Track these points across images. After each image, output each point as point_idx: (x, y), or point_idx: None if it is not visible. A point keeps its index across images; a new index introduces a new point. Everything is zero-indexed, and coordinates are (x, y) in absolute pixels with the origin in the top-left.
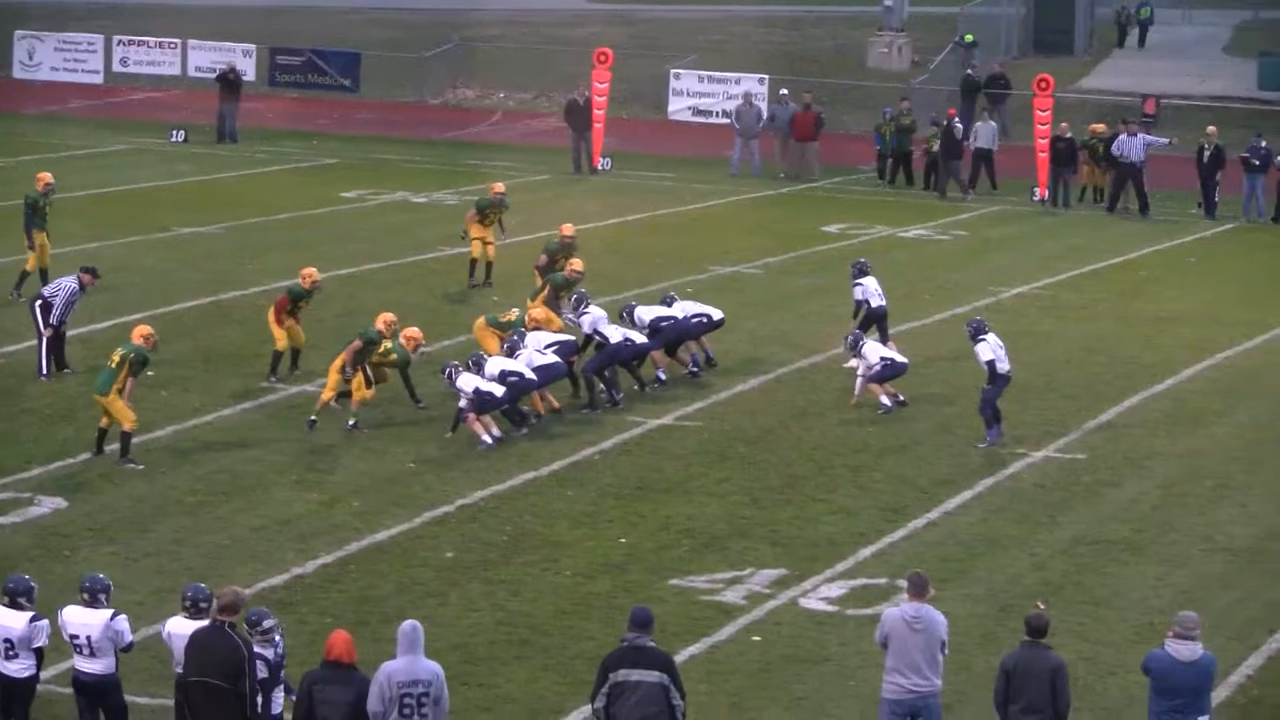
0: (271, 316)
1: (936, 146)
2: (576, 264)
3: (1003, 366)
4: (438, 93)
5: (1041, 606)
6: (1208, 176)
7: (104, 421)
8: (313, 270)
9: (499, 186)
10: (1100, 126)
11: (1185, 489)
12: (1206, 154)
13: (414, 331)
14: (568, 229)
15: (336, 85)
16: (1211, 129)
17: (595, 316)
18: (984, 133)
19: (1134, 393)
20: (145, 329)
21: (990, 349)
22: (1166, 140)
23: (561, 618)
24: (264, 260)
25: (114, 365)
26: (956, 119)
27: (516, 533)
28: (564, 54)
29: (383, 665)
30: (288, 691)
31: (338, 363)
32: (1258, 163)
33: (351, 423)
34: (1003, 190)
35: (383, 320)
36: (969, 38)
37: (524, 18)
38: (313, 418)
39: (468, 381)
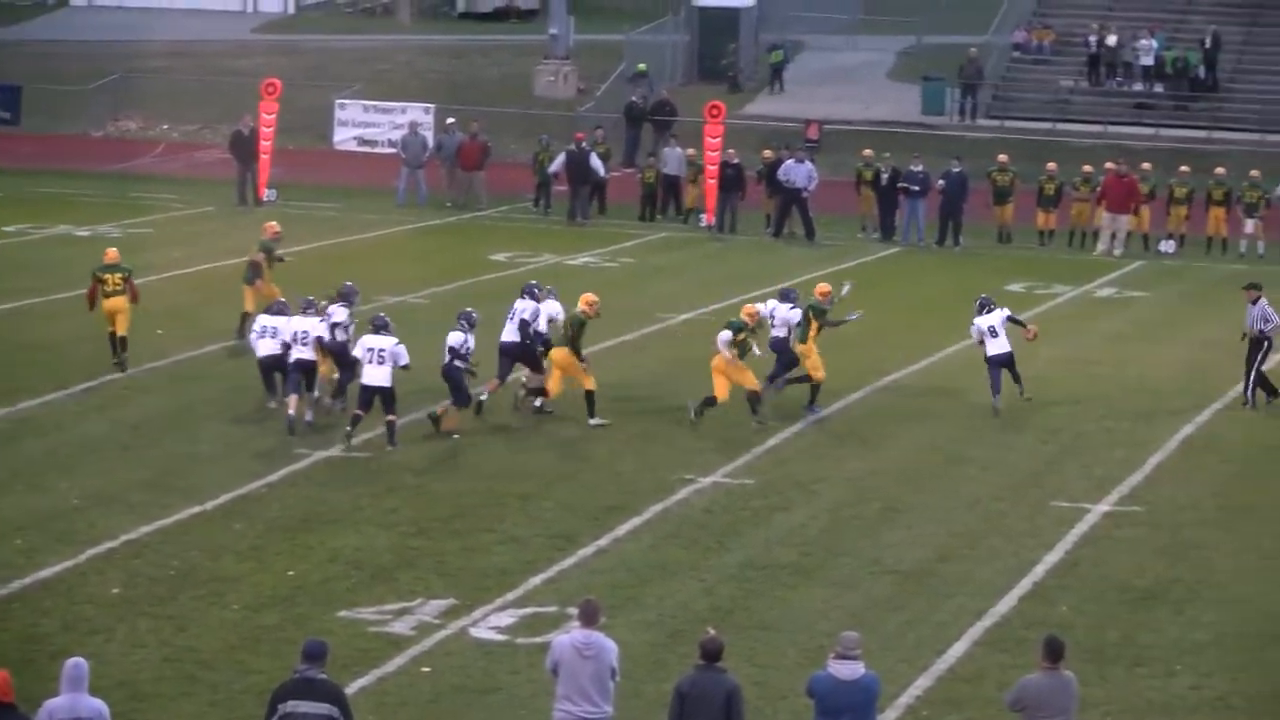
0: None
1: (653, 177)
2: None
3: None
4: (100, 125)
5: (712, 631)
6: (885, 200)
7: None
8: (113, 251)
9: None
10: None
11: (854, 512)
12: (884, 178)
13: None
14: (272, 227)
15: None
16: (868, 151)
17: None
18: (671, 159)
19: (800, 418)
20: None
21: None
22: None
23: (229, 652)
24: None
25: None
26: (584, 143)
27: (183, 568)
28: (229, 85)
29: (45, 703)
30: None
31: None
32: (916, 188)
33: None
34: (670, 216)
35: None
36: (641, 67)
37: (188, 49)
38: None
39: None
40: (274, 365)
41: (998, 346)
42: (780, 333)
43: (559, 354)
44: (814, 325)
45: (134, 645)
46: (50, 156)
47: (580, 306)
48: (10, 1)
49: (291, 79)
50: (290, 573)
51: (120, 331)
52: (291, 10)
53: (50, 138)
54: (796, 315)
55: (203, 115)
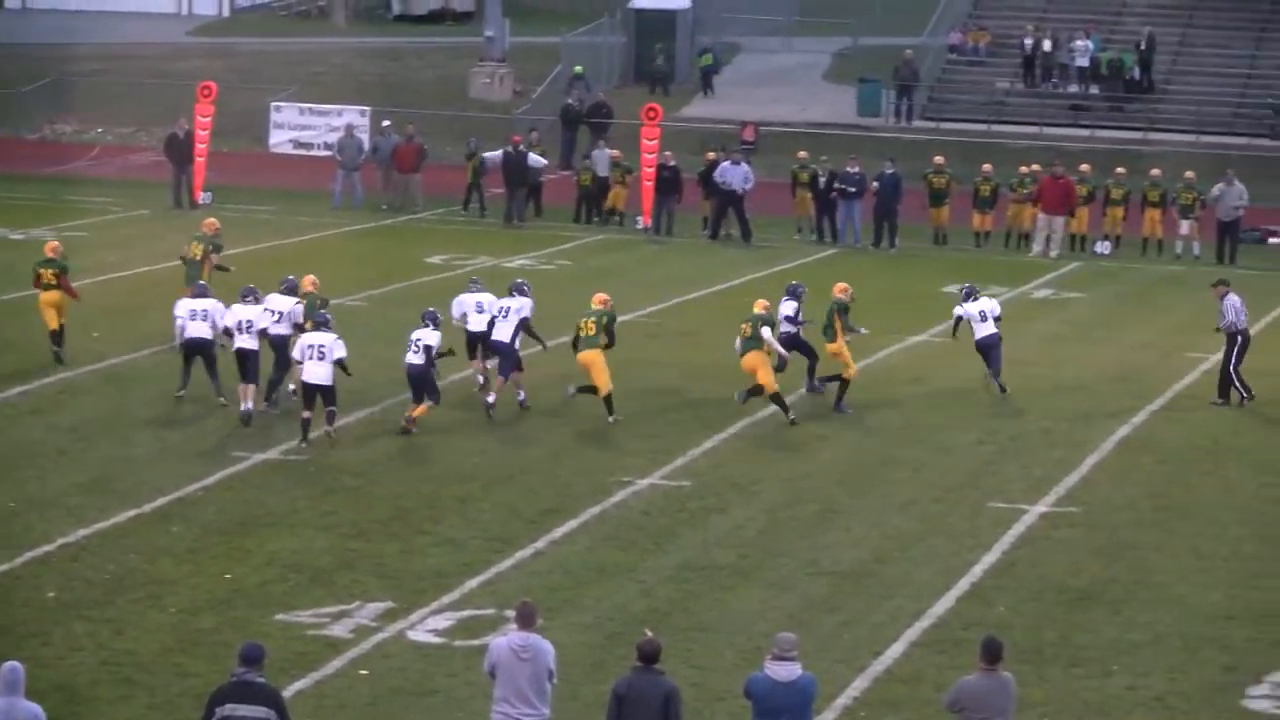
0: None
1: (589, 180)
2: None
3: None
4: (35, 128)
5: (649, 633)
6: (822, 201)
7: None
8: (55, 243)
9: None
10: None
11: (790, 513)
12: (822, 180)
13: None
14: (213, 223)
15: None
16: (803, 153)
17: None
18: (600, 161)
19: (739, 418)
20: None
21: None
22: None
23: (167, 655)
24: None
25: None
26: (522, 145)
27: (120, 571)
28: (164, 88)
29: None
30: None
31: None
32: (853, 189)
33: None
34: (605, 220)
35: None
36: (578, 70)
37: (123, 51)
38: None
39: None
40: (199, 348)
41: (984, 330)
42: (788, 329)
43: (589, 355)
44: (839, 323)
45: (71, 649)
46: None
47: (595, 306)
48: None
49: (227, 82)
50: (228, 575)
51: (57, 324)
52: (226, 13)
53: None
54: (790, 307)
55: (138, 118)
